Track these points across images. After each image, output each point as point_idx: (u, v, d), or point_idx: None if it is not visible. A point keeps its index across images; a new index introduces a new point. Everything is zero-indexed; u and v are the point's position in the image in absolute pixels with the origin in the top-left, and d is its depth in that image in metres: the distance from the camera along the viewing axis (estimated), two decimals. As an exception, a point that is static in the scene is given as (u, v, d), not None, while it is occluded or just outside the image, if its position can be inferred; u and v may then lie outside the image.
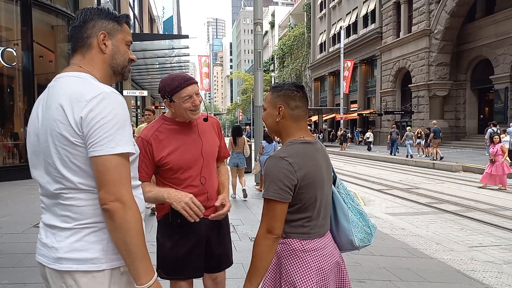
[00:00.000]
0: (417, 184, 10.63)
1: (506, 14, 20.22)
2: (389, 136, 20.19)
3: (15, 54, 8.59)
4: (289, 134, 1.60)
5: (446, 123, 23.52)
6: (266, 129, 1.79)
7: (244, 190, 7.69)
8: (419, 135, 19.48)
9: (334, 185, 1.76)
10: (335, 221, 1.72)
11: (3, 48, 8.28)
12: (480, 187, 9.80)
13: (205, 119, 1.98)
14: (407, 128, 20.88)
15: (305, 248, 1.54)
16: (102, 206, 1.13)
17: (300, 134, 1.60)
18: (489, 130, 15.24)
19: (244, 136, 8.29)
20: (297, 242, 1.54)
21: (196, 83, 1.88)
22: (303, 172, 1.49)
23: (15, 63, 8.69)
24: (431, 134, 17.07)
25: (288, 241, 1.55)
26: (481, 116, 24.17)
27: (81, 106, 1.12)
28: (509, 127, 14.11)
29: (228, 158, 6.46)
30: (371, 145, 23.92)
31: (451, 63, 23.61)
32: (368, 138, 24.45)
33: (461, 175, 12.96)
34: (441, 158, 15.67)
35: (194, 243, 1.89)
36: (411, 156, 17.69)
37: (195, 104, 1.84)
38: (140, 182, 1.36)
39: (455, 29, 22.71)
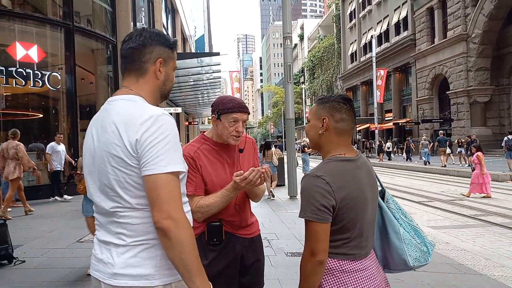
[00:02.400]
0: (460, 196, 10.13)
1: (550, 14, 19.19)
2: (420, 145, 20.68)
3: (59, 78, 9.12)
4: (331, 149, 1.53)
5: (489, 130, 22.38)
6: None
7: (271, 191, 9.58)
8: (460, 144, 18.64)
9: (383, 200, 1.66)
10: (386, 239, 1.62)
11: (49, 72, 8.81)
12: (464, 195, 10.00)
13: (241, 151, 1.97)
14: (423, 136, 21.40)
15: (344, 268, 1.46)
16: (156, 224, 1.15)
17: (342, 150, 1.52)
18: (505, 138, 15.19)
19: (272, 148, 10.60)
20: (335, 262, 1.47)
21: (248, 113, 1.92)
22: (342, 193, 1.41)
23: (59, 86, 9.21)
24: (436, 143, 18.76)
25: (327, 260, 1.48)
26: (528, 122, 22.81)
27: (135, 129, 1.16)
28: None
29: None
30: (392, 155, 24.27)
31: (492, 67, 22.58)
32: (389, 148, 24.08)
33: (509, 185, 12.23)
34: (444, 166, 17.30)
35: (229, 262, 1.88)
36: (428, 163, 19.24)
37: (238, 131, 1.86)
38: (187, 199, 1.37)
39: (494, 32, 21.78)
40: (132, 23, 12.43)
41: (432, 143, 21.03)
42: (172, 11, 24.52)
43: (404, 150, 24.24)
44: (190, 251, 1.16)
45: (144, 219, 1.20)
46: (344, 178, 1.45)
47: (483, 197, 9.55)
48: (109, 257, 1.22)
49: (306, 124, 1.67)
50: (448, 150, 18.54)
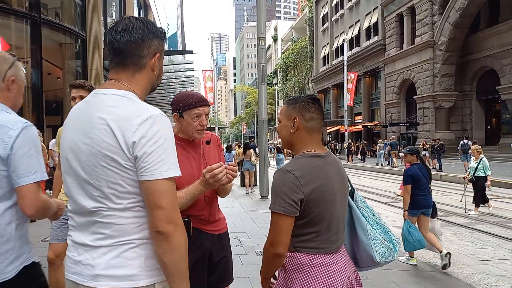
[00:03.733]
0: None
1: (510, 25, 20.28)
2: (377, 148, 22.34)
3: (25, 71, 8.72)
4: (302, 146, 1.59)
5: (452, 135, 23.40)
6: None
7: (250, 188, 11.26)
8: (424, 147, 19.39)
9: (352, 199, 1.73)
10: (354, 236, 1.69)
11: (13, 66, 8.42)
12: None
13: (208, 142, 2.00)
14: (379, 140, 23.79)
15: (313, 263, 1.50)
16: (156, 229, 1.12)
17: (313, 147, 1.58)
18: (461, 142, 16.85)
19: (251, 149, 11.90)
20: (305, 256, 1.51)
21: (209, 106, 1.93)
22: (310, 186, 1.47)
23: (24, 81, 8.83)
24: (388, 147, 20.45)
25: (296, 255, 1.52)
26: (489, 127, 24.00)
27: (132, 129, 1.11)
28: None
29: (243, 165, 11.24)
30: (359, 156, 25.56)
31: (456, 74, 23.62)
32: (350, 147, 25.06)
33: (469, 187, 12.82)
34: (395, 167, 18.86)
35: (197, 258, 1.88)
36: (382, 165, 20.88)
37: (202, 124, 1.88)
38: None
39: (459, 40, 22.80)
40: (102, 18, 12.09)
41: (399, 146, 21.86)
42: (144, 7, 24.04)
43: (359, 152, 25.14)
44: (184, 256, 1.16)
45: (130, 219, 1.16)
46: (313, 173, 1.50)
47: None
48: (88, 259, 1.17)
49: (277, 124, 1.71)
50: (401, 154, 19.47)
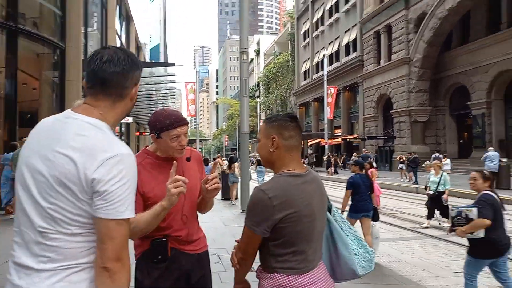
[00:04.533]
0: (401, 209, 10.74)
1: (479, 44, 21.26)
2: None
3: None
4: (282, 165, 1.59)
5: (427, 148, 24.05)
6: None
7: (236, 199, 11.63)
8: (401, 160, 19.84)
9: (330, 213, 1.74)
10: (334, 250, 1.70)
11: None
12: None
13: (188, 159, 1.94)
14: (353, 154, 24.16)
15: (293, 284, 1.49)
16: (103, 264, 1.11)
17: (292, 165, 1.58)
18: (433, 156, 17.61)
19: (236, 162, 12.16)
20: (283, 277, 1.49)
21: (188, 124, 1.88)
22: (285, 208, 1.47)
23: (-2, 91, 8.61)
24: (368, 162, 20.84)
25: (274, 276, 1.51)
26: (461, 141, 24.85)
27: (96, 165, 1.10)
28: (487, 151, 14.55)
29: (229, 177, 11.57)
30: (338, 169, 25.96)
31: (430, 90, 24.43)
32: (329, 160, 25.69)
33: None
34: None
35: (175, 279, 1.83)
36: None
37: (182, 144, 1.84)
38: None
39: (432, 58, 23.66)
40: (83, 28, 11.98)
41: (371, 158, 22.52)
42: (126, 18, 23.95)
43: (332, 164, 25.51)
44: None
45: (77, 243, 1.14)
46: (289, 193, 1.50)
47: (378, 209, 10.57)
48: (29, 283, 1.12)
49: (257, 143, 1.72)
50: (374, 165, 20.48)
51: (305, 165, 1.67)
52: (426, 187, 8.50)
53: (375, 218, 5.62)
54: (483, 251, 3.49)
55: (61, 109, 10.02)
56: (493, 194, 3.56)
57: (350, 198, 5.48)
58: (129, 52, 1.30)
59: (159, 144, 1.85)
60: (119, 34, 20.76)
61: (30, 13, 10.01)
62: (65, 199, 1.11)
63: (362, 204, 5.41)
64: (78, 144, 1.12)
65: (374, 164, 21.10)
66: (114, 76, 1.23)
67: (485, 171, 3.80)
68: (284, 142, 1.58)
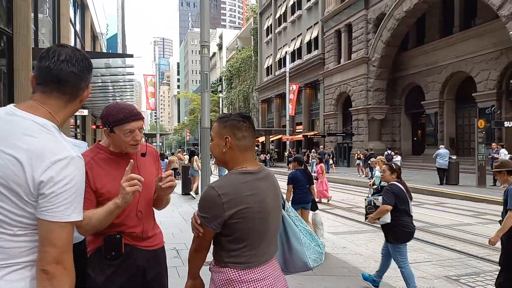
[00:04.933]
0: (357, 203, 11.12)
1: (433, 45, 22.40)
2: (310, 157, 23.64)
3: None
4: (235, 164, 1.60)
5: (383, 145, 25.08)
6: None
7: (194, 193, 11.92)
8: (358, 156, 20.54)
9: (284, 209, 1.77)
10: (288, 244, 1.73)
11: None
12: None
13: (143, 154, 1.90)
14: (313, 150, 25.74)
15: (242, 278, 1.50)
16: (42, 267, 1.09)
17: (245, 164, 1.59)
18: (385, 153, 18.97)
19: (196, 156, 12.75)
20: (234, 272, 1.51)
21: (142, 119, 1.83)
22: (235, 205, 1.48)
23: None
24: (318, 155, 21.67)
25: (225, 270, 1.52)
26: (415, 139, 26.14)
27: (43, 167, 1.08)
28: (439, 149, 15.40)
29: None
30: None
31: (387, 89, 25.44)
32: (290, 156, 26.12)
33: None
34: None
35: (129, 276, 1.79)
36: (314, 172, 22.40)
37: (136, 140, 1.79)
38: None
39: (390, 57, 24.61)
40: (33, 14, 11.27)
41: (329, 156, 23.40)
42: (81, 6, 22.82)
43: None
44: None
45: (19, 243, 1.12)
46: (240, 190, 1.51)
47: (328, 201, 11.27)
48: None
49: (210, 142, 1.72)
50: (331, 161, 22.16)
51: (260, 162, 1.68)
52: (373, 183, 9.11)
53: (314, 208, 6.14)
54: (396, 236, 3.92)
55: (10, 98, 9.40)
56: (399, 185, 3.99)
57: (292, 191, 5.99)
58: (85, 53, 1.31)
59: (112, 139, 1.79)
60: (73, 22, 19.78)
61: (-28, -5, 9.25)
62: (9, 200, 1.09)
63: (302, 197, 5.94)
64: (26, 145, 1.09)
65: (330, 161, 21.92)
66: (71, 76, 1.22)
67: (392, 164, 4.25)
68: (237, 142, 1.59)
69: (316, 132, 31.75)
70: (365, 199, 4.35)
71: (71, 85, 1.23)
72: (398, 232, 3.90)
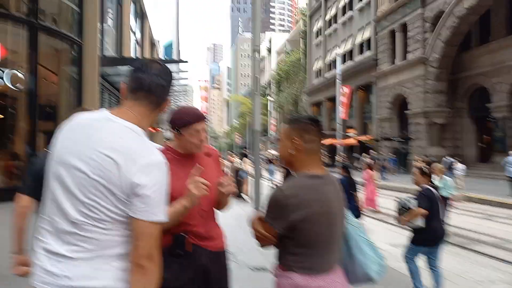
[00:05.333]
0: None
1: (500, 44, 20.76)
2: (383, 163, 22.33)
3: (20, 76, 8.70)
4: (301, 166, 1.61)
5: (444, 151, 23.64)
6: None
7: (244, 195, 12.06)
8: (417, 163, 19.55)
9: None
10: (349, 254, 1.70)
11: (9, 70, 8.39)
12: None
13: (207, 154, 2.02)
14: (362, 154, 24.12)
15: (310, 285, 1.49)
16: (136, 261, 1.20)
17: (312, 168, 1.60)
18: (443, 159, 17.79)
19: (246, 158, 12.84)
20: (300, 277, 1.50)
21: (206, 120, 1.96)
22: (303, 208, 1.48)
23: (19, 85, 8.77)
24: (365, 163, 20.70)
25: (291, 274, 1.52)
26: (481, 144, 24.23)
27: (136, 168, 1.19)
28: (509, 156, 14.20)
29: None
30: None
31: (448, 91, 23.96)
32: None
33: (462, 205, 12.91)
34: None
35: (193, 274, 1.86)
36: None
37: (201, 140, 1.91)
38: None
39: (450, 57, 23.20)
40: (99, 24, 12.07)
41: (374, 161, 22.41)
42: (141, 15, 24.09)
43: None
44: None
45: (111, 236, 1.22)
46: (308, 194, 1.51)
47: (375, 211, 10.64)
48: (63, 270, 1.19)
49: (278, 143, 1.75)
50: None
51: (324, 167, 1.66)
52: None
53: (356, 215, 6.01)
54: (419, 240, 4.01)
55: (80, 103, 10.13)
56: (431, 188, 4.03)
57: None
58: (169, 69, 1.44)
59: (179, 140, 1.91)
60: (134, 31, 20.90)
61: (49, 9, 10.12)
62: (105, 197, 1.19)
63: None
64: (121, 148, 1.21)
65: (387, 167, 20.76)
66: (160, 88, 1.36)
67: (424, 168, 4.26)
68: (305, 145, 1.60)
69: (369, 137, 30.73)
70: (397, 200, 4.29)
71: (158, 95, 1.36)
72: (425, 237, 3.95)
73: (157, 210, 1.22)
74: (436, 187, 4.08)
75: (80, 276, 1.18)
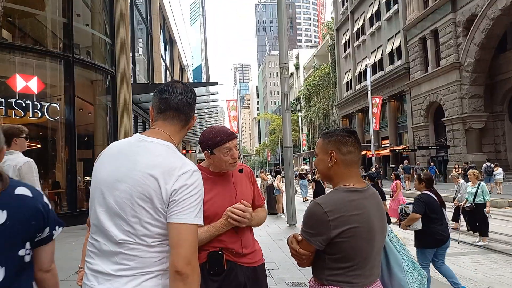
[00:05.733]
0: (459, 222, 10.03)
1: (538, 43, 19.75)
2: (414, 172, 21.16)
3: (58, 108, 9.20)
4: (340, 180, 1.58)
5: (484, 156, 22.47)
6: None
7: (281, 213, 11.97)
8: (457, 170, 18.71)
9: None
10: (388, 271, 1.65)
11: (48, 103, 8.89)
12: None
13: (240, 171, 2.02)
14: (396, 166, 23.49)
15: None
16: (175, 268, 1.22)
17: (351, 180, 1.56)
18: (484, 165, 17.04)
19: (279, 175, 12.60)
20: None
21: (236, 137, 1.97)
22: (342, 223, 1.44)
23: (58, 117, 9.28)
24: (402, 171, 19.95)
25: None
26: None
27: (173, 179, 1.26)
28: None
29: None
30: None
31: (485, 95, 22.96)
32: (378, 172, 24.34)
33: (507, 211, 12.16)
34: (409, 189, 18.47)
35: None
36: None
37: (234, 157, 1.91)
38: None
39: (486, 61, 22.29)
40: (131, 54, 12.67)
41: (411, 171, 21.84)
42: (170, 42, 25.07)
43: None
44: None
45: (155, 253, 1.27)
46: (347, 209, 1.46)
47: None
48: (109, 287, 1.24)
49: (315, 158, 1.72)
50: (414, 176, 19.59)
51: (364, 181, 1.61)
52: (453, 199, 8.32)
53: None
54: (423, 242, 4.26)
55: (115, 130, 10.58)
56: (430, 193, 4.32)
57: None
58: (191, 87, 1.51)
59: (213, 160, 1.92)
60: (164, 57, 21.75)
61: (83, 43, 10.78)
62: (147, 212, 1.25)
63: None
64: (158, 163, 1.28)
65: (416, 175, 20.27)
66: (186, 106, 1.43)
67: (421, 175, 4.57)
68: (343, 157, 1.57)
69: (405, 146, 29.79)
70: (398, 207, 4.66)
71: (185, 113, 1.43)
72: (427, 238, 4.20)
73: (192, 213, 1.25)
74: (436, 193, 4.35)
75: None
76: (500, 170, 16.08)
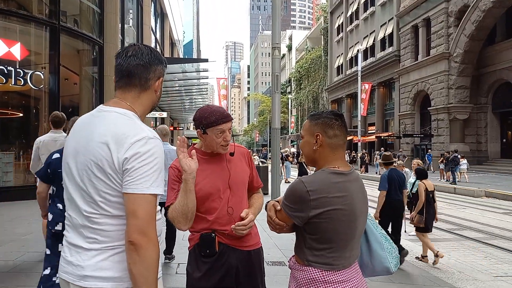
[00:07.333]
0: (437, 210, 10.34)
1: (527, 38, 19.98)
2: (374, 159, 22.97)
3: (42, 77, 8.96)
4: (325, 163, 1.56)
5: (467, 147, 23.02)
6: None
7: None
8: (442, 160, 19.13)
9: None
10: (369, 249, 1.69)
11: (32, 71, 8.65)
12: None
13: (231, 154, 1.96)
14: (376, 152, 24.35)
15: (326, 279, 1.47)
16: (129, 238, 1.19)
17: (336, 163, 1.55)
18: (453, 155, 17.34)
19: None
20: (318, 272, 1.48)
21: (231, 120, 1.91)
22: (322, 203, 1.44)
23: (42, 86, 9.05)
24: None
25: (309, 269, 1.50)
26: (504, 140, 23.55)
27: (126, 147, 1.22)
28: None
29: None
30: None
31: (471, 86, 23.29)
32: (363, 158, 24.74)
33: (483, 200, 12.56)
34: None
35: (223, 275, 1.84)
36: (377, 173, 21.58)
37: (226, 140, 1.87)
38: (159, 217, 1.45)
39: (474, 53, 22.52)
40: (120, 25, 12.34)
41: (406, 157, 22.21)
42: (161, 15, 24.46)
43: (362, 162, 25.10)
44: (153, 270, 1.21)
45: (119, 226, 1.25)
46: (330, 190, 1.46)
47: None
48: (79, 260, 1.26)
49: (300, 140, 1.70)
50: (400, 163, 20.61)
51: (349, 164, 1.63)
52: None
53: None
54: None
55: (101, 102, 10.40)
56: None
57: None
58: (153, 48, 1.41)
59: (204, 139, 1.89)
60: (154, 30, 21.24)
61: (70, 11, 10.43)
62: (103, 182, 1.23)
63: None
64: (112, 133, 1.25)
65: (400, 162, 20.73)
66: (138, 68, 1.34)
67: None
68: (329, 140, 1.55)
69: (390, 133, 30.19)
70: None
71: (139, 76, 1.34)
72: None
73: (146, 183, 1.20)
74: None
75: (93, 266, 1.23)
76: (465, 161, 17.43)
